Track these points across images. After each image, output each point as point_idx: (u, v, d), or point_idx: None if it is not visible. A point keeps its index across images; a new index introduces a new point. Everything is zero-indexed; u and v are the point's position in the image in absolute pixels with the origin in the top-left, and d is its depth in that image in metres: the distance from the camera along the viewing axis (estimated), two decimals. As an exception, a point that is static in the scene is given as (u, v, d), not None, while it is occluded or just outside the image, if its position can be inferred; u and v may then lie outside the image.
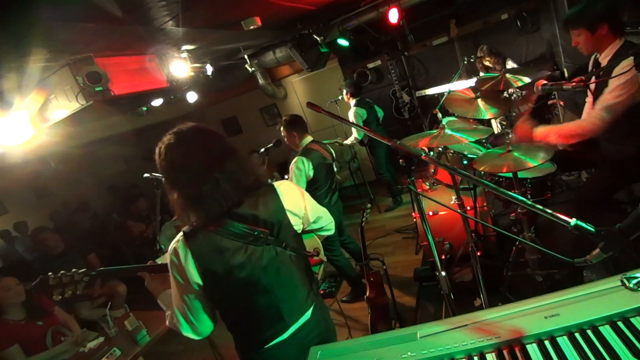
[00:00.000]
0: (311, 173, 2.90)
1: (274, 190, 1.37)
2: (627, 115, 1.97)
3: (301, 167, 2.86)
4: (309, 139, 3.05)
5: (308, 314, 1.40)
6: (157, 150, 1.27)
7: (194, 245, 1.22)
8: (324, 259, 1.68)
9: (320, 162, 2.96)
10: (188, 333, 1.31)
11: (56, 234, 4.03)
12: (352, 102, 4.76)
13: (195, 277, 1.23)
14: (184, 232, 1.26)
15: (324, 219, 1.55)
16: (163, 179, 1.30)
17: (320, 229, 1.57)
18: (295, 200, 1.40)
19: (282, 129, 3.06)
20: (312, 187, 2.97)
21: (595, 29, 1.96)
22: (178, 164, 1.23)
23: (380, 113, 4.92)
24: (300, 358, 1.31)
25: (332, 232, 1.63)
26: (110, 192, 6.94)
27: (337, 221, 3.13)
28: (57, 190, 6.27)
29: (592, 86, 2.15)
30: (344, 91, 4.79)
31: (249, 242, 1.26)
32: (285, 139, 3.10)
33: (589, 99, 2.34)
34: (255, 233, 1.26)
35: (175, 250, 1.24)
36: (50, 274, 1.41)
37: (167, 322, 1.35)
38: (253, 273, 1.27)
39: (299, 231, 1.43)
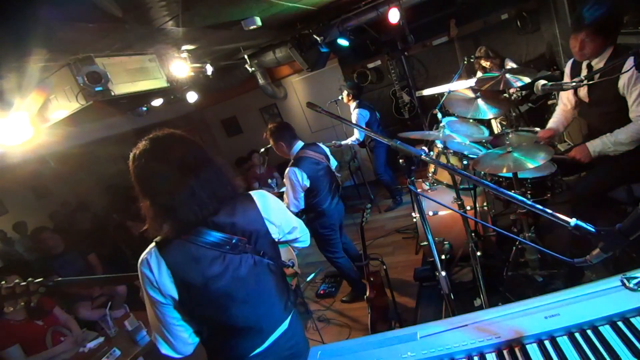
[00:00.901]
0: (307, 183, 2.81)
1: (251, 199, 1.34)
2: (619, 112, 1.98)
3: (294, 179, 2.77)
4: (299, 145, 2.92)
5: (286, 324, 1.37)
6: (130, 156, 1.21)
7: (168, 254, 1.16)
8: (299, 271, 1.65)
9: (313, 169, 2.86)
10: (167, 351, 1.24)
11: (56, 234, 4.03)
12: (353, 104, 4.78)
13: (170, 289, 1.16)
14: (156, 242, 1.19)
15: (299, 230, 1.51)
16: (136, 187, 1.22)
17: (295, 240, 1.53)
18: (272, 209, 1.37)
19: (269, 138, 2.94)
20: (311, 195, 2.90)
21: (610, 38, 1.96)
22: (152, 170, 1.18)
23: (377, 115, 4.94)
24: None
25: (307, 244, 1.59)
26: (110, 192, 6.92)
27: (339, 222, 3.13)
28: (57, 190, 6.27)
29: (584, 89, 2.15)
30: (345, 92, 4.80)
31: (227, 251, 1.21)
32: (274, 147, 2.98)
33: (564, 105, 2.37)
34: (233, 241, 1.22)
35: (146, 262, 1.16)
36: (3, 282, 1.31)
37: (151, 338, 1.31)
38: (231, 283, 1.22)
39: (276, 239, 1.41)
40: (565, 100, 2.41)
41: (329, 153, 3.09)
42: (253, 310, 1.27)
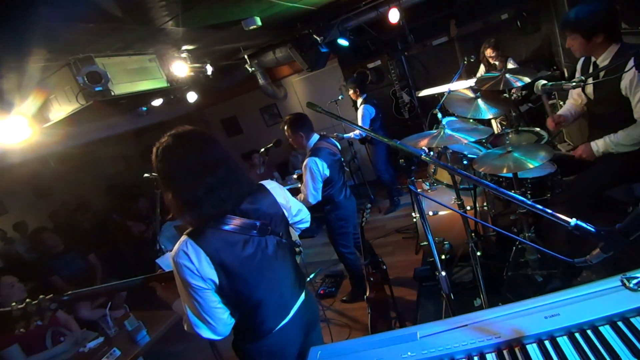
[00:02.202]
0: (327, 172, 2.79)
1: (265, 188, 1.49)
2: (622, 111, 1.98)
3: (315, 168, 2.75)
4: (315, 137, 2.92)
5: (302, 296, 1.55)
6: (154, 151, 1.29)
7: (205, 243, 1.24)
8: (302, 249, 1.80)
9: (331, 159, 2.85)
10: (208, 335, 1.30)
11: (56, 234, 4.03)
12: (360, 99, 4.76)
13: (211, 274, 1.24)
14: (188, 234, 1.26)
15: (303, 212, 1.68)
16: (159, 179, 1.31)
17: (300, 221, 1.68)
18: (283, 195, 1.54)
19: (286, 129, 2.92)
20: (328, 186, 2.88)
21: (590, 37, 1.97)
22: (175, 166, 1.26)
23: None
24: (300, 337, 1.50)
25: (308, 224, 1.74)
26: (110, 192, 6.92)
27: (353, 216, 3.10)
28: (57, 190, 6.27)
29: (590, 86, 2.15)
30: (350, 90, 4.78)
31: (254, 235, 1.34)
32: (290, 140, 2.96)
33: (574, 99, 2.37)
34: (258, 224, 1.34)
35: (183, 253, 1.22)
36: (14, 304, 1.28)
37: (185, 328, 1.34)
38: (262, 261, 1.35)
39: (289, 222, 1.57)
40: (575, 96, 2.41)
41: (339, 146, 3.09)
42: (278, 286, 1.41)
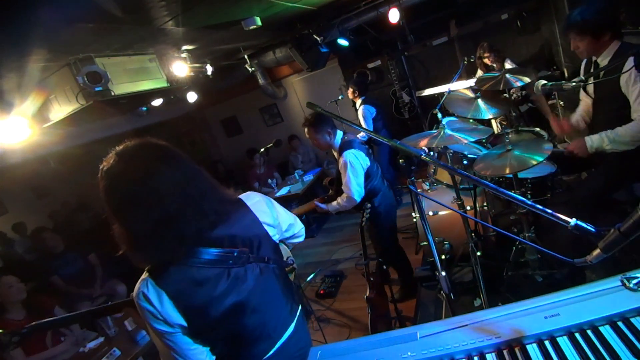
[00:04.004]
0: (367, 161, 2.62)
1: (242, 203, 1.24)
2: (623, 110, 1.98)
3: (355, 160, 2.56)
4: (340, 132, 2.73)
5: (292, 327, 1.33)
6: (99, 172, 1.05)
7: (167, 285, 1.05)
8: (295, 266, 1.58)
9: (365, 148, 2.69)
10: None
11: (56, 234, 4.03)
12: (359, 100, 4.73)
13: (176, 318, 1.07)
14: (148, 272, 1.07)
15: (295, 226, 1.45)
16: (107, 213, 1.06)
17: (292, 237, 1.46)
18: (267, 210, 1.29)
19: (307, 131, 2.72)
20: (369, 178, 2.69)
21: (599, 37, 1.97)
22: (120, 193, 1.02)
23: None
24: None
25: (303, 239, 1.52)
26: (110, 192, 6.92)
27: (393, 202, 2.95)
28: (57, 190, 6.27)
29: (591, 87, 2.15)
30: (350, 90, 4.76)
31: (230, 266, 1.13)
32: (314, 142, 2.74)
33: (585, 99, 2.36)
34: (235, 254, 1.13)
35: (142, 295, 1.05)
36: None
37: None
38: (239, 297, 1.15)
39: (277, 241, 1.33)
40: (583, 95, 2.41)
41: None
42: (262, 318, 1.22)
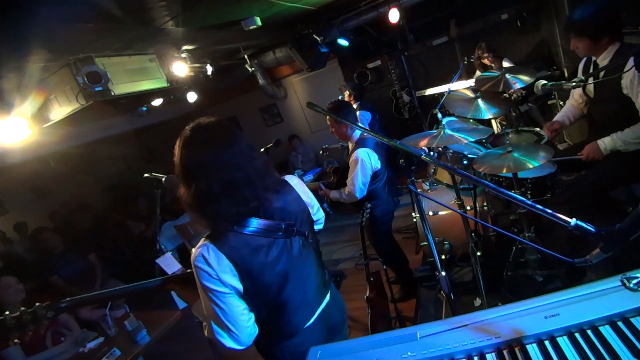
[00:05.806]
0: (378, 164, 2.63)
1: (287, 183, 1.40)
2: (623, 110, 1.98)
3: (367, 160, 2.56)
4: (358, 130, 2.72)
5: (328, 296, 1.47)
6: (176, 142, 1.20)
7: (228, 248, 1.16)
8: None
9: (380, 150, 2.67)
10: (230, 344, 1.22)
11: (56, 234, 4.03)
12: (355, 105, 4.74)
13: (234, 281, 1.17)
14: (209, 237, 1.18)
15: (320, 212, 1.57)
16: (179, 176, 1.20)
17: (317, 222, 1.56)
18: (306, 191, 1.45)
19: (328, 118, 2.69)
20: (375, 180, 2.69)
21: (597, 39, 1.97)
22: (193, 160, 1.17)
23: (377, 117, 4.92)
24: (325, 338, 1.44)
25: (322, 226, 1.63)
26: (110, 192, 6.93)
27: (394, 209, 3.00)
28: (57, 190, 6.28)
29: (591, 87, 2.16)
30: (347, 92, 4.77)
31: (278, 237, 1.26)
32: (333, 128, 2.74)
33: (572, 100, 2.37)
34: (283, 226, 1.26)
35: (202, 258, 1.15)
36: (7, 312, 1.21)
37: (205, 333, 1.28)
38: (287, 265, 1.28)
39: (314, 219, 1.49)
40: (576, 96, 2.41)
41: None
42: (303, 287, 1.35)
